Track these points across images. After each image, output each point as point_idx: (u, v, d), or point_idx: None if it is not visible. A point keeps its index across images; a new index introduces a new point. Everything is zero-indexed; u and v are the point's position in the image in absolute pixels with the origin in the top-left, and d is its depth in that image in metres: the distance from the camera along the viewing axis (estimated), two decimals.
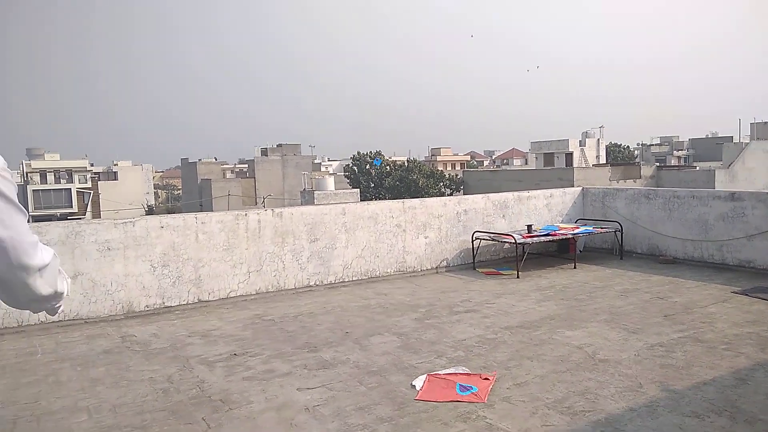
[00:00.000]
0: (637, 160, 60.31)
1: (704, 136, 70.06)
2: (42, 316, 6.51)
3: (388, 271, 8.74)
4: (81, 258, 6.66)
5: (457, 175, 52.20)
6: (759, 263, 8.32)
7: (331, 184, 32.42)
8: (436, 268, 9.19)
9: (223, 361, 5.31)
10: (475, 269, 9.24)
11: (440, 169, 60.01)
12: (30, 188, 59.80)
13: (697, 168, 39.68)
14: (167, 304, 7.12)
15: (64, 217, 53.54)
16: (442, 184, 50.17)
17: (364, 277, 8.52)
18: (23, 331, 6.37)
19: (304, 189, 35.11)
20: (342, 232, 8.32)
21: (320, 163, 75.88)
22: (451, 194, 45.82)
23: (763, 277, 8.03)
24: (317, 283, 8.13)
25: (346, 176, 53.58)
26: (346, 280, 8.37)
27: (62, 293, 1.56)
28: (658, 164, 43.98)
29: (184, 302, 7.22)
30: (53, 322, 6.56)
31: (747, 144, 35.40)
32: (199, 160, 62.95)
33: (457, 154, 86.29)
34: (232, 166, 79.03)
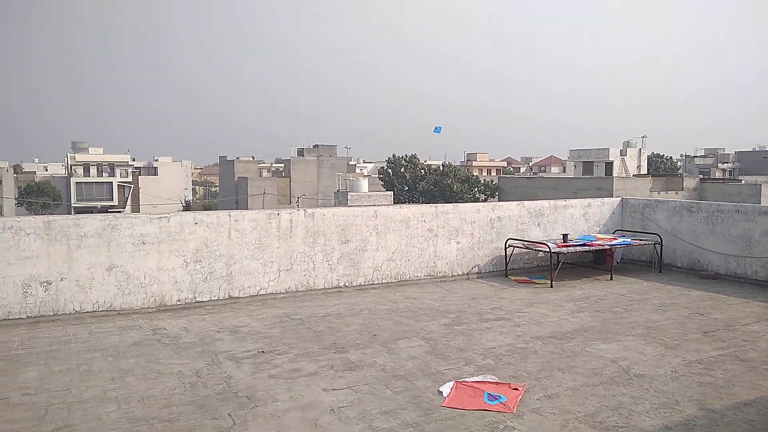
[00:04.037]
0: (679, 171, 58.78)
1: (751, 149, 67.87)
2: (78, 305, 6.65)
3: (419, 275, 8.66)
4: (116, 251, 6.78)
5: (492, 181, 51.71)
6: None
7: (365, 186, 32.47)
8: (468, 274, 9.07)
9: (250, 358, 5.32)
10: (507, 277, 9.09)
11: (475, 174, 59.56)
12: (73, 180, 61.64)
13: (743, 181, 38.40)
14: (198, 299, 7.20)
15: (104, 210, 55.01)
16: (476, 189, 49.75)
17: (394, 281, 8.46)
18: (58, 320, 6.51)
19: (338, 190, 35.28)
20: (373, 235, 8.28)
21: (355, 165, 76.21)
22: (485, 200, 45.45)
23: None
24: (346, 284, 8.11)
25: (380, 179, 53.63)
26: (376, 282, 8.32)
27: None
28: (701, 176, 42.72)
29: (215, 298, 7.28)
30: (87, 312, 6.69)
31: None
32: (237, 158, 63.84)
33: (493, 160, 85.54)
34: (268, 165, 79.97)
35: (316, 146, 59.00)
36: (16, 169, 71.67)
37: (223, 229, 7.30)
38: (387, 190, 42.28)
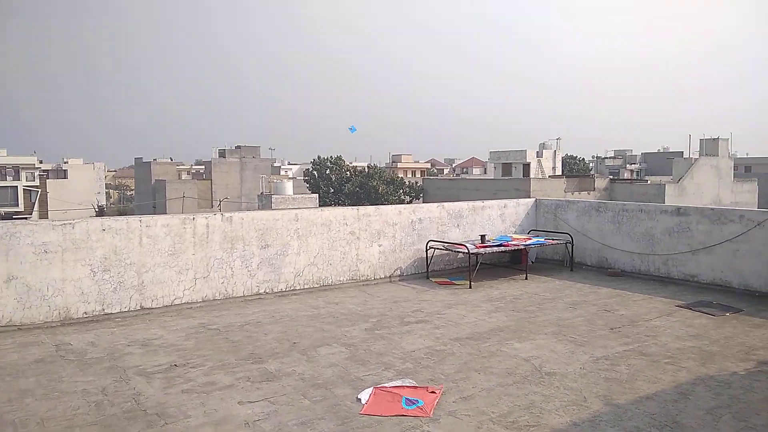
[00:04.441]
0: (591, 172, 61.85)
1: (656, 151, 72.40)
2: None
3: (341, 279, 8.62)
4: (15, 261, 6.32)
5: (417, 183, 52.42)
6: (703, 278, 8.55)
7: (289, 189, 32.08)
8: (390, 276, 9.12)
9: (162, 373, 5.10)
10: (428, 278, 9.21)
11: (400, 176, 60.16)
12: None
13: (649, 182, 40.90)
14: (107, 310, 6.83)
15: (9, 216, 51.41)
16: (402, 191, 50.28)
17: (316, 285, 8.38)
18: None
19: (262, 193, 34.66)
20: (294, 239, 8.16)
21: (280, 167, 75.13)
22: (410, 201, 46.00)
23: (706, 291, 8.25)
24: (267, 290, 7.95)
25: (305, 181, 53.15)
26: (298, 288, 8.21)
27: None
28: (611, 177, 45.12)
29: (126, 309, 6.93)
30: None
31: (696, 159, 36.69)
32: (154, 159, 61.36)
33: (417, 162, 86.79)
34: (188, 167, 77.34)
35: (238, 147, 57.69)
36: None
37: (133, 236, 6.96)
38: (312, 193, 41.97)
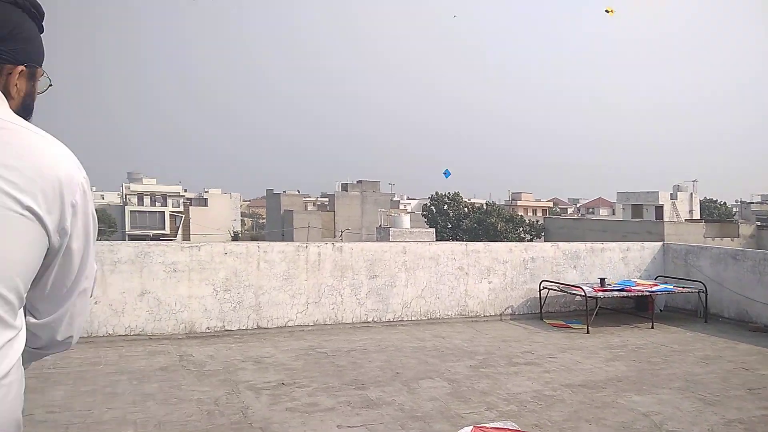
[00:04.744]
0: (735, 217, 56.64)
1: None
2: (111, 328, 6.81)
3: (449, 313, 8.52)
4: (149, 277, 6.94)
5: (537, 222, 51.00)
6: None
7: (407, 222, 32.54)
8: (500, 315, 8.87)
9: (270, 389, 5.30)
10: (542, 320, 8.83)
11: (520, 213, 58.86)
12: (128, 209, 64.06)
13: None
14: (227, 327, 7.26)
15: (156, 238, 56.76)
16: (521, 229, 49.14)
17: (424, 318, 8.35)
18: (92, 342, 6.67)
19: (380, 225, 35.44)
20: (402, 271, 8.22)
21: (399, 201, 76.57)
22: (531, 240, 44.74)
23: None
24: (375, 319, 8.05)
25: (423, 215, 53.67)
26: (405, 319, 8.23)
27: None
28: (759, 223, 41.00)
29: (243, 327, 7.33)
30: (120, 335, 6.83)
31: None
32: (284, 191, 65.18)
33: (539, 200, 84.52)
34: (314, 199, 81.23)
35: (360, 182, 59.75)
36: None
37: (252, 260, 7.39)
38: (430, 227, 42.23)
